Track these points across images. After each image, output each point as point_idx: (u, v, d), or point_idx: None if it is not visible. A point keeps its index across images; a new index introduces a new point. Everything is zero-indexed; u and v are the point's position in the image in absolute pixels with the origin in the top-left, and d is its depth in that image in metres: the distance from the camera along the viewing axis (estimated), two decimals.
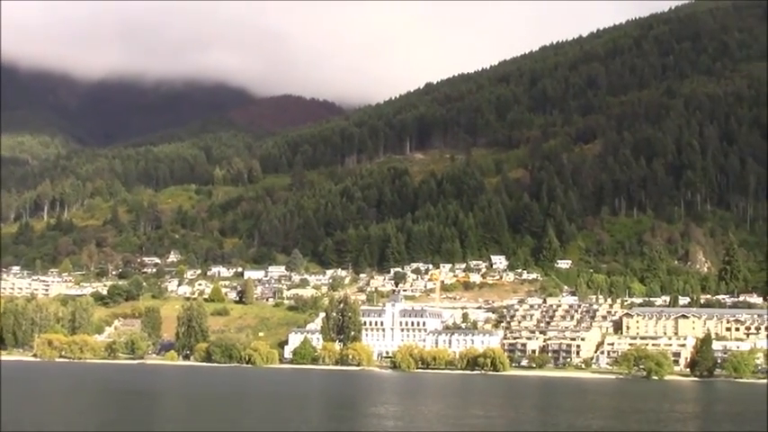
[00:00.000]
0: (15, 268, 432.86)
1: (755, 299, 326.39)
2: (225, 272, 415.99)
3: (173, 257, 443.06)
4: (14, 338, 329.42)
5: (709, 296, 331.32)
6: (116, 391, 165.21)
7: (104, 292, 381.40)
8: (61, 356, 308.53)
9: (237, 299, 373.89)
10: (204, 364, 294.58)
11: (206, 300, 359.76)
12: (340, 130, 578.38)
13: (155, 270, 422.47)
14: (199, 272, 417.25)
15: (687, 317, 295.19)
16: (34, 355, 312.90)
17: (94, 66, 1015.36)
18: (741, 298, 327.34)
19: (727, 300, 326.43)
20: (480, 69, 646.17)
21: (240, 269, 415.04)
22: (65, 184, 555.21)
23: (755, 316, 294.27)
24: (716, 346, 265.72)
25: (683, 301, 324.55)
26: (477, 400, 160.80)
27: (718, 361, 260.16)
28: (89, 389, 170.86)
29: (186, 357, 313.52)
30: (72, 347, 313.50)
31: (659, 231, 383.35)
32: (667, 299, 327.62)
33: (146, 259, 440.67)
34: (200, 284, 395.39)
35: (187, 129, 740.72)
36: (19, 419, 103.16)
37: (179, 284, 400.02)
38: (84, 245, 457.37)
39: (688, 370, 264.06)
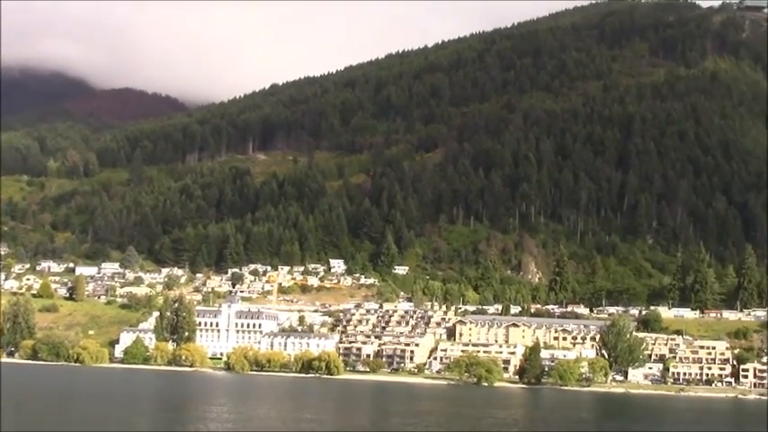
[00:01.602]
0: None
1: (582, 309, 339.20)
2: (55, 267, 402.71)
3: (1, 250, 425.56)
4: None
5: (539, 306, 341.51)
6: None
7: None
8: None
9: (68, 295, 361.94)
10: (30, 361, 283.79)
11: (34, 295, 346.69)
12: (182, 126, 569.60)
13: None
14: (28, 266, 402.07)
15: (518, 325, 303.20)
16: None
17: None
18: (569, 308, 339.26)
19: (556, 310, 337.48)
20: (326, 73, 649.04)
21: (72, 265, 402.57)
22: None
23: (582, 326, 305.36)
24: (544, 354, 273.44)
25: (515, 309, 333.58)
26: (310, 403, 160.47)
27: (546, 369, 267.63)
28: None
29: (11, 354, 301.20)
30: None
31: (494, 241, 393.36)
32: (500, 307, 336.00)
33: None
34: (28, 279, 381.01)
35: (21, 118, 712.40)
36: None
37: (6, 278, 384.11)
38: None
39: (517, 377, 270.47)
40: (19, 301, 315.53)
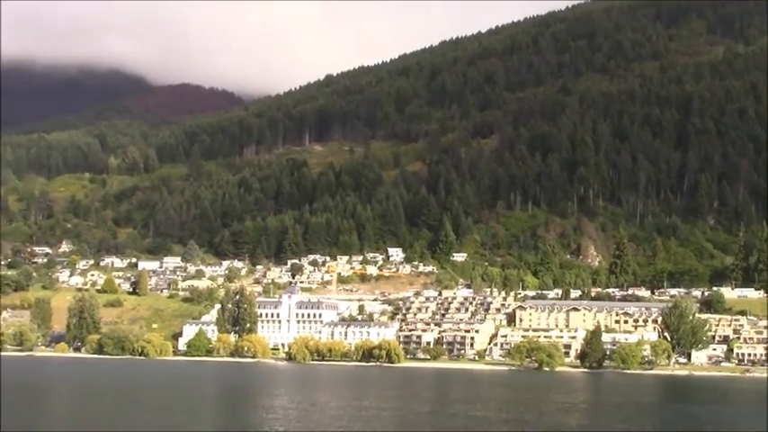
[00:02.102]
0: None
1: (643, 292, 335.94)
2: (119, 262, 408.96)
3: (65, 247, 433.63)
4: None
5: (599, 289, 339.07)
6: (4, 384, 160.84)
7: None
8: None
9: (131, 290, 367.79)
10: (96, 356, 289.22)
11: (99, 291, 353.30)
12: (239, 120, 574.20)
13: (45, 260, 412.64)
14: (92, 262, 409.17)
15: (578, 309, 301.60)
16: None
17: None
18: (630, 291, 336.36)
19: (617, 293, 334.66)
20: (380, 62, 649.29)
21: (134, 260, 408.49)
22: None
23: (643, 309, 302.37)
24: (605, 338, 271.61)
25: (575, 294, 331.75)
26: (371, 392, 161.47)
27: (607, 352, 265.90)
28: None
29: (77, 349, 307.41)
30: None
31: (553, 226, 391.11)
32: (559, 292, 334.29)
33: (36, 249, 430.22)
34: (92, 275, 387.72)
35: (81, 116, 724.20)
36: None
37: (71, 275, 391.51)
38: None
39: (578, 361, 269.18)
40: (84, 297, 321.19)
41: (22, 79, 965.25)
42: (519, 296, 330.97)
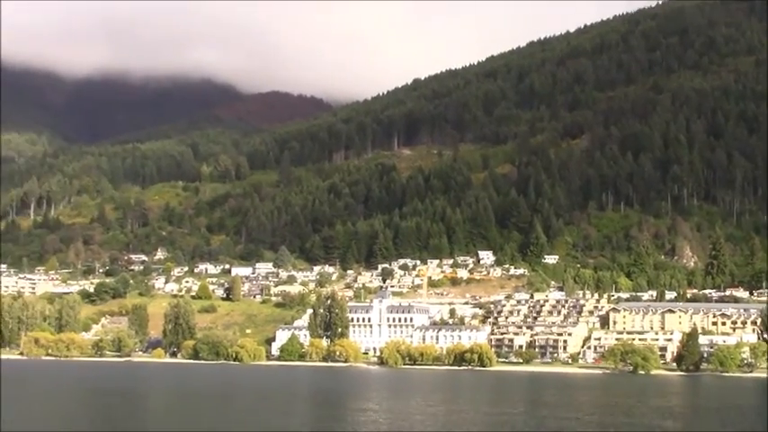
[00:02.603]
0: (2, 266, 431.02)
1: (741, 293, 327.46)
2: (212, 269, 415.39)
3: (160, 255, 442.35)
4: (0, 337, 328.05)
5: (695, 290, 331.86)
6: (104, 389, 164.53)
7: (91, 290, 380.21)
8: (48, 354, 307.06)
9: (225, 296, 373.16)
10: (191, 361, 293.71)
11: (193, 297, 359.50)
12: (327, 126, 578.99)
13: (142, 267, 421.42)
14: (186, 269, 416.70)
15: (674, 311, 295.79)
16: (21, 354, 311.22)
17: (80, 63, 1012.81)
18: (727, 292, 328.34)
19: (714, 294, 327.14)
20: (468, 65, 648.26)
21: (227, 266, 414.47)
22: (51, 181, 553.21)
23: (741, 310, 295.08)
24: (702, 340, 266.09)
25: (670, 295, 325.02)
26: (464, 395, 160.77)
27: (705, 355, 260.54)
28: (76, 387, 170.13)
29: (173, 355, 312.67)
30: (59, 345, 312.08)
31: (646, 226, 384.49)
32: (654, 293, 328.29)
33: (133, 257, 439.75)
34: (187, 282, 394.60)
35: (174, 126, 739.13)
36: (7, 419, 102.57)
37: (166, 282, 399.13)
38: (71, 243, 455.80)
39: (674, 364, 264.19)
40: (179, 303, 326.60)
41: (116, 91, 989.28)
42: (612, 298, 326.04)
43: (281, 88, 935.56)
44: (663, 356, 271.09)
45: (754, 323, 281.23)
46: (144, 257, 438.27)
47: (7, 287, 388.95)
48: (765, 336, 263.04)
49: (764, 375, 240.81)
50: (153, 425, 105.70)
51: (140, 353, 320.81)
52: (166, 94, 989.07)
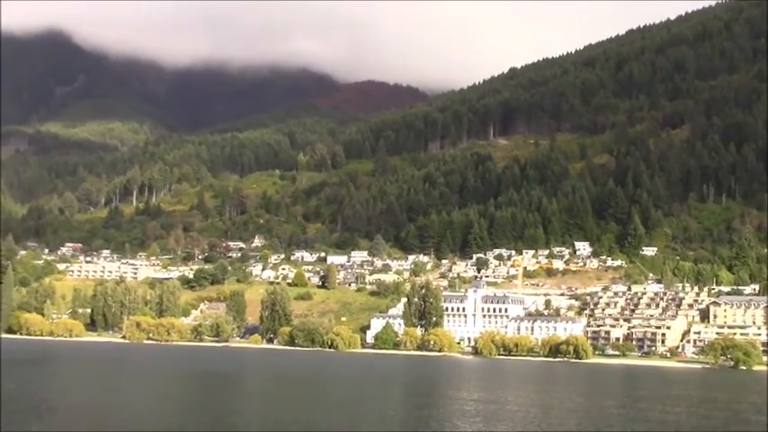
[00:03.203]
0: (105, 252, 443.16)
1: None
2: (308, 257, 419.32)
3: (257, 242, 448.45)
4: (104, 320, 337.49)
5: None
6: (203, 373, 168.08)
7: (190, 276, 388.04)
8: (149, 338, 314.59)
9: (320, 283, 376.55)
10: (287, 347, 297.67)
11: (289, 284, 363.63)
12: (423, 115, 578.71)
13: (239, 254, 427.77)
14: (282, 256, 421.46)
15: None
16: (123, 337, 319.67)
17: (181, 53, 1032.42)
18: None
19: None
20: (565, 53, 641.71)
21: (323, 254, 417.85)
22: (153, 169, 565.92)
23: None
24: None
25: None
26: (558, 387, 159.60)
27: None
28: (177, 371, 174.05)
29: (270, 341, 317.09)
30: (159, 330, 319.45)
31: (749, 218, 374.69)
32: (756, 287, 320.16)
33: (231, 244, 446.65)
34: (283, 269, 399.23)
35: (271, 115, 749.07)
36: (112, 398, 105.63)
37: (263, 269, 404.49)
38: (172, 229, 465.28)
39: None
40: (276, 290, 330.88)
41: (216, 81, 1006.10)
42: (713, 291, 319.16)
43: (377, 77, 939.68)
44: (765, 352, 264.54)
45: None
46: (241, 245, 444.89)
47: (110, 272, 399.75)
48: None
49: None
50: (250, 409, 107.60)
51: (238, 338, 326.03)
52: (264, 83, 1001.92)
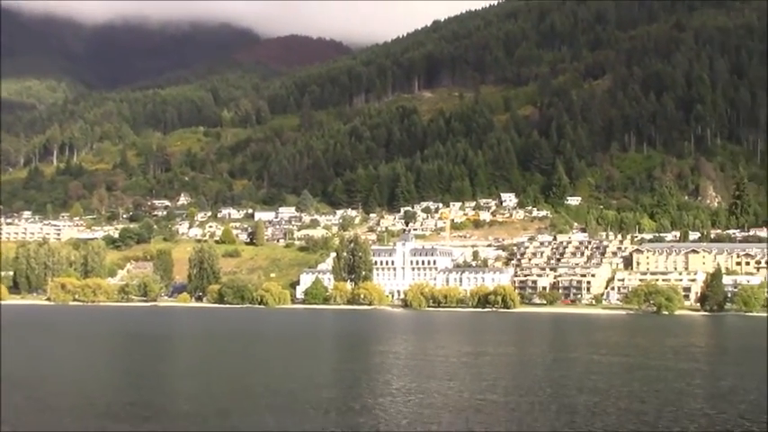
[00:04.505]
0: (26, 213, 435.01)
1: (765, 233, 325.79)
2: (235, 214, 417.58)
3: (183, 200, 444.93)
4: (28, 282, 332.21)
5: (719, 231, 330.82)
6: (132, 333, 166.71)
7: (116, 236, 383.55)
8: (74, 300, 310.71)
9: (248, 240, 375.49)
10: (217, 305, 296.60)
11: (217, 242, 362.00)
12: (348, 69, 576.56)
13: (165, 213, 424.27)
14: (209, 214, 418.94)
15: (697, 252, 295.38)
16: (48, 299, 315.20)
17: (99, 9, 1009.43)
18: (751, 232, 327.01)
19: (738, 234, 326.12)
20: (488, 6, 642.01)
21: (250, 211, 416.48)
22: (73, 128, 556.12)
23: (766, 250, 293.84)
24: (726, 280, 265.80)
25: (694, 236, 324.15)
26: (489, 337, 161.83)
27: (729, 295, 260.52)
28: (105, 331, 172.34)
29: (199, 299, 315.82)
30: (85, 291, 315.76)
31: (669, 167, 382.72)
32: (677, 234, 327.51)
33: (156, 202, 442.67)
34: (210, 227, 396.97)
35: (193, 71, 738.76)
36: (34, 363, 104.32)
37: (190, 227, 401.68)
38: (95, 189, 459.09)
39: (698, 305, 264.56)
40: (203, 248, 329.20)
41: (136, 37, 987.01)
42: (636, 239, 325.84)
43: (300, 32, 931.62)
44: (687, 297, 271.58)
45: None
46: (167, 203, 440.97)
47: (33, 234, 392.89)
48: None
49: None
50: (181, 367, 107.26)
51: (166, 297, 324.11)
52: (185, 38, 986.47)
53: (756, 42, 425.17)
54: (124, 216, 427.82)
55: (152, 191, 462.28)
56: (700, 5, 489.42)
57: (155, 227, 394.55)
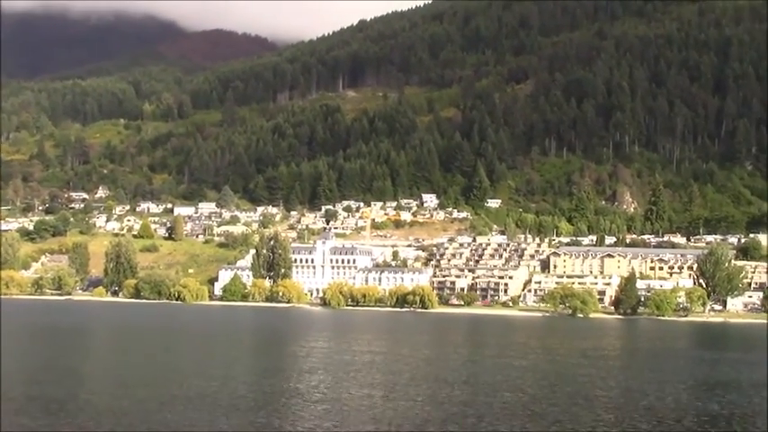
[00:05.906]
0: None
1: (679, 239, 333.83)
2: (154, 208, 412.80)
3: (101, 193, 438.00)
4: None
5: (634, 236, 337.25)
6: (45, 326, 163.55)
7: (31, 228, 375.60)
8: None
9: (167, 235, 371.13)
10: (133, 300, 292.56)
11: (135, 236, 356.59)
12: (272, 65, 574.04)
13: (82, 205, 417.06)
14: (128, 208, 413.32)
15: (613, 256, 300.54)
16: None
17: None
18: (665, 238, 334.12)
19: (652, 240, 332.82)
20: (414, 7, 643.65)
21: (170, 205, 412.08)
22: None
23: (679, 255, 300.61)
24: (640, 284, 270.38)
25: (610, 240, 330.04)
26: (407, 337, 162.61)
27: (642, 299, 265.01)
28: (17, 325, 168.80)
29: (114, 294, 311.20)
30: None
31: (588, 172, 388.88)
32: (594, 238, 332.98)
33: (73, 194, 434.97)
34: (128, 220, 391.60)
35: (115, 62, 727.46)
36: None
37: (107, 220, 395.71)
38: (10, 179, 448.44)
39: (612, 308, 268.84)
40: (121, 242, 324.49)
41: (56, 26, 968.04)
42: (553, 242, 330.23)
43: (225, 26, 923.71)
44: (601, 300, 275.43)
45: (690, 268, 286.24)
46: (85, 195, 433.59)
47: None
48: (701, 281, 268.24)
49: (699, 320, 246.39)
50: (95, 362, 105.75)
51: (81, 291, 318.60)
52: (108, 29, 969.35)
53: (675, 52, 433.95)
54: (40, 208, 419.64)
55: (69, 183, 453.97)
56: (621, 14, 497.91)
57: (71, 219, 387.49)
